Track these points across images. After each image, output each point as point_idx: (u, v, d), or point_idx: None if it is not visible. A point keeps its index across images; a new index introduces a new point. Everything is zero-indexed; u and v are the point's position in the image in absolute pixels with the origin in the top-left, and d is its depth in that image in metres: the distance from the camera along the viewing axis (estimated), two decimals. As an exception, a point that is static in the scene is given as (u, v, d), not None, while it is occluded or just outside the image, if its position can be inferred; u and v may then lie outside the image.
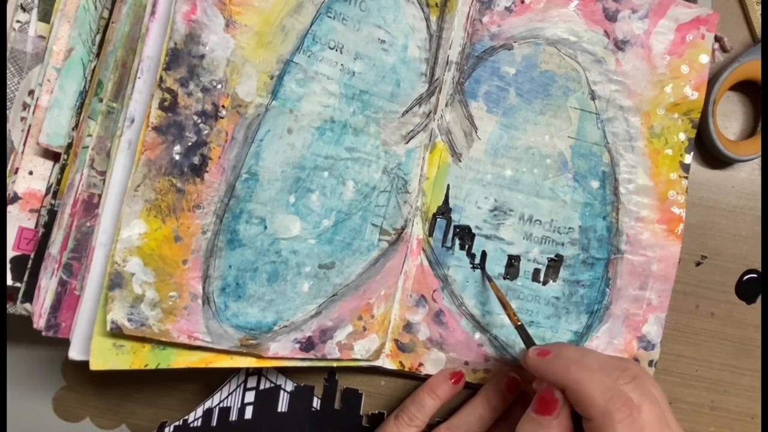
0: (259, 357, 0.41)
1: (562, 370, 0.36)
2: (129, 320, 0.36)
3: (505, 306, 0.43)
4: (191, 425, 0.46)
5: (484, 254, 0.46)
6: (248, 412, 0.46)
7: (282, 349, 0.41)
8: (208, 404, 0.46)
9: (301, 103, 0.40)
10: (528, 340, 0.41)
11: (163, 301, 0.37)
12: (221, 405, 0.46)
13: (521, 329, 0.41)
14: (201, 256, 0.38)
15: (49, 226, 0.41)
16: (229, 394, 0.46)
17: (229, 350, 0.40)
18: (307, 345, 0.42)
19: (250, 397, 0.46)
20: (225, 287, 0.39)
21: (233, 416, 0.46)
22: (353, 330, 0.44)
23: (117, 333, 0.36)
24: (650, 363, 0.47)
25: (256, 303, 0.40)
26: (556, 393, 0.36)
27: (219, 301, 0.39)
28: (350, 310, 0.43)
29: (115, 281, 0.36)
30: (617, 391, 0.35)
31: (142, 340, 0.37)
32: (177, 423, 0.46)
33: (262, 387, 0.46)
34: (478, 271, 0.46)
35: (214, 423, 0.46)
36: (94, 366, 0.36)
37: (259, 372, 0.47)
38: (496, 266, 0.46)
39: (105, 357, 0.36)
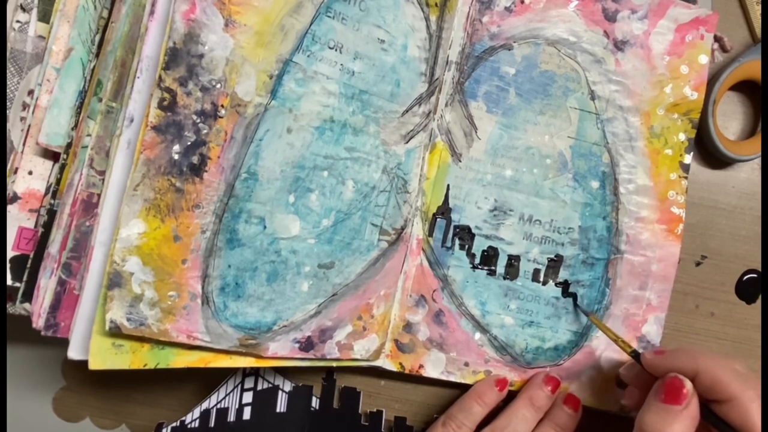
0: (258, 357, 0.41)
1: (689, 359, 0.37)
2: (128, 320, 0.36)
3: (610, 336, 0.43)
4: (188, 426, 0.46)
5: (574, 294, 0.47)
6: (246, 413, 0.46)
7: (281, 349, 0.41)
8: (205, 405, 0.46)
9: (300, 102, 0.40)
10: (634, 354, 0.41)
11: (162, 301, 0.37)
12: (218, 406, 0.46)
13: (635, 355, 0.41)
14: (200, 256, 0.38)
15: (48, 226, 0.41)
16: (226, 395, 0.46)
17: (228, 350, 0.40)
18: (307, 345, 0.42)
19: (248, 397, 0.46)
20: (224, 287, 0.39)
21: (231, 417, 0.46)
22: (353, 330, 0.44)
23: (116, 332, 0.36)
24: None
25: (256, 303, 0.40)
26: (684, 380, 0.37)
27: (218, 300, 0.39)
28: (350, 310, 0.43)
29: (114, 281, 0.36)
30: (745, 374, 0.36)
31: (141, 339, 0.37)
32: (174, 424, 0.46)
33: (259, 387, 0.46)
34: (478, 270, 0.46)
35: (211, 424, 0.46)
36: (93, 365, 0.36)
37: (256, 372, 0.47)
38: (495, 266, 0.46)
39: (104, 356, 0.36)
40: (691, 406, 0.36)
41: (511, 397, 0.46)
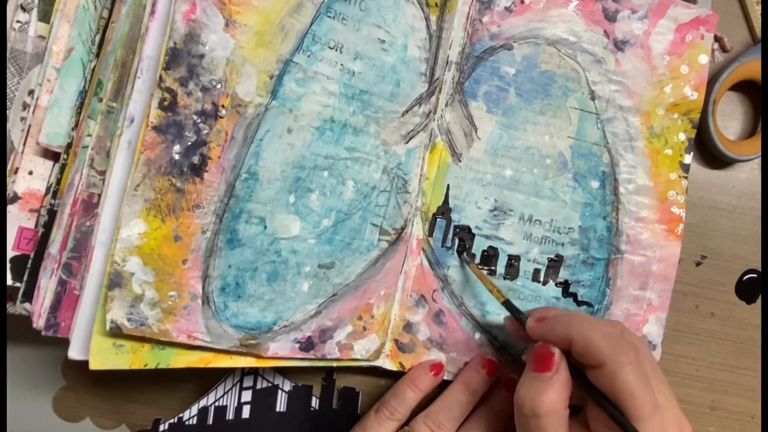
0: (258, 357, 0.41)
1: (565, 326, 0.37)
2: (128, 320, 0.36)
3: (485, 283, 0.43)
4: (186, 423, 0.46)
5: (462, 242, 0.46)
6: (245, 412, 0.46)
7: (282, 349, 0.41)
8: (203, 403, 0.46)
9: (300, 102, 0.40)
10: (515, 311, 0.41)
11: (163, 301, 0.37)
12: (217, 404, 0.46)
13: (507, 304, 0.41)
14: (201, 256, 0.38)
15: (48, 226, 0.41)
16: (224, 393, 0.46)
17: (228, 350, 0.40)
18: (307, 345, 0.42)
19: (246, 396, 0.46)
20: (225, 287, 0.39)
21: (230, 415, 0.46)
22: (353, 330, 0.44)
23: (116, 332, 0.36)
24: (651, 363, 0.47)
25: (256, 303, 0.40)
26: (552, 348, 0.36)
27: (218, 300, 0.39)
28: (350, 310, 0.43)
29: (115, 281, 0.36)
30: (621, 338, 0.35)
31: (141, 339, 0.37)
32: (172, 420, 0.46)
33: (259, 386, 0.46)
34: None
35: (210, 422, 0.46)
36: (93, 365, 0.36)
37: (255, 371, 0.47)
38: (496, 266, 0.46)
39: (104, 356, 0.36)
40: (561, 372, 0.35)
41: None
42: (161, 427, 0.46)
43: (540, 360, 0.36)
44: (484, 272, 0.46)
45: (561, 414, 0.35)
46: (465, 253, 0.46)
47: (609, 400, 0.35)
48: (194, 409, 0.46)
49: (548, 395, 0.35)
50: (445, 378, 0.46)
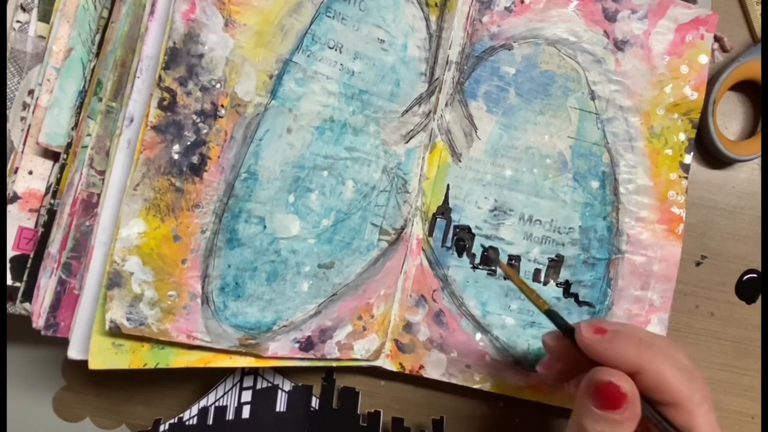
0: (258, 357, 0.41)
1: (633, 352, 0.33)
2: (128, 319, 0.36)
3: (522, 288, 0.39)
4: (186, 423, 0.46)
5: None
6: (245, 412, 0.46)
7: (281, 349, 0.41)
8: (203, 403, 0.46)
9: (300, 102, 0.40)
10: (561, 321, 0.37)
11: (162, 301, 0.37)
12: (217, 404, 0.46)
13: (550, 313, 0.37)
14: (200, 256, 0.38)
15: (48, 226, 0.41)
16: (224, 393, 0.46)
17: (228, 350, 0.40)
18: (307, 345, 0.42)
19: (246, 396, 0.46)
20: (224, 287, 0.39)
21: (230, 415, 0.46)
22: (353, 330, 0.44)
23: (116, 332, 0.36)
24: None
25: (255, 302, 0.40)
26: (623, 386, 0.32)
27: (218, 300, 0.39)
28: (350, 309, 0.43)
29: (114, 280, 0.36)
30: (690, 373, 0.33)
31: (141, 339, 0.37)
32: (172, 420, 0.46)
33: (259, 386, 0.46)
34: (479, 270, 0.46)
35: (210, 422, 0.46)
36: (93, 365, 0.36)
37: (255, 371, 0.47)
38: (496, 266, 0.46)
39: (104, 356, 0.36)
40: (633, 408, 0.32)
41: (518, 404, 0.46)
42: (161, 427, 0.46)
43: (607, 397, 0.32)
44: (485, 273, 0.46)
45: None
46: (489, 252, 0.44)
47: None
48: (194, 409, 0.46)
49: None
50: (445, 379, 0.46)
